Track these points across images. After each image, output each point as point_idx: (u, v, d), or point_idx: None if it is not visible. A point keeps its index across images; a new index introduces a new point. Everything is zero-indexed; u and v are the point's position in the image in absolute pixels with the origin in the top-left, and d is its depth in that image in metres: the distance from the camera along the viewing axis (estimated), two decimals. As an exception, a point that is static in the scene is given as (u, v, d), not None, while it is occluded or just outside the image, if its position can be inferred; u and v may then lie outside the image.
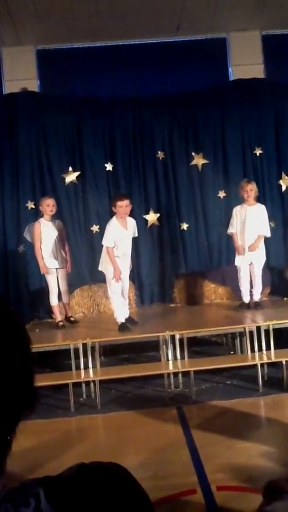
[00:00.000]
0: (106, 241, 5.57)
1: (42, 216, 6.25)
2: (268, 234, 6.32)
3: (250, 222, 6.20)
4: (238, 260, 6.33)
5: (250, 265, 6.28)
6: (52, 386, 5.11)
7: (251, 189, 6.25)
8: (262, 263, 6.32)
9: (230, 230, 6.45)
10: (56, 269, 6.18)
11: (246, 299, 6.37)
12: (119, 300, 5.72)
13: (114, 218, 5.64)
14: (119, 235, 5.59)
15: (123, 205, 5.53)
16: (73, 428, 4.58)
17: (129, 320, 5.80)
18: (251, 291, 6.40)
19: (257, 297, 6.34)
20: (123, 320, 5.66)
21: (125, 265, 5.73)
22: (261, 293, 7.39)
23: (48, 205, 6.16)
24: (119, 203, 5.54)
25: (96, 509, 0.66)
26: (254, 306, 6.26)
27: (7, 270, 7.32)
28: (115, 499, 0.69)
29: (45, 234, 6.15)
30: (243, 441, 3.77)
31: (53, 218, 6.32)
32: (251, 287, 6.38)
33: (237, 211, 6.39)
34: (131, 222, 5.81)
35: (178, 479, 3.32)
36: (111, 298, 5.82)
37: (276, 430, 4.06)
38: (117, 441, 4.08)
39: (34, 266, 7.15)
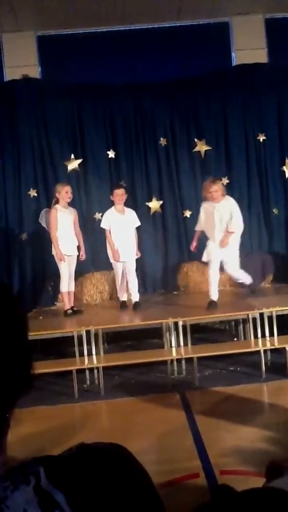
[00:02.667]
0: (102, 223, 6.34)
1: (56, 202, 6.18)
2: (236, 230, 5.79)
3: (220, 219, 5.73)
4: (205, 256, 5.94)
5: (224, 264, 5.90)
6: (56, 373, 5.15)
7: (216, 190, 5.67)
8: (235, 260, 5.93)
9: (197, 227, 6.10)
10: (70, 256, 6.16)
11: (215, 296, 5.83)
12: (119, 282, 6.37)
13: (113, 206, 6.30)
14: (115, 219, 6.18)
15: (119, 193, 6.22)
16: (77, 414, 4.61)
17: (122, 304, 6.33)
18: (241, 283, 6.37)
19: (248, 282, 6.24)
20: (123, 299, 6.35)
21: (126, 252, 6.17)
22: (264, 279, 7.42)
23: (67, 191, 6.12)
24: (116, 191, 6.25)
25: (97, 487, 0.67)
26: (251, 292, 6.24)
27: (9, 258, 7.33)
28: (115, 478, 0.69)
29: (62, 221, 6.08)
30: (246, 426, 3.80)
31: (68, 205, 6.27)
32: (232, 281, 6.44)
33: (204, 208, 5.95)
34: (130, 212, 6.36)
35: (181, 464, 3.35)
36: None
37: (279, 415, 4.08)
38: (120, 426, 4.11)
39: (37, 253, 7.16)
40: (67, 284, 6.16)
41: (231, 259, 5.90)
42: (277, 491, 0.91)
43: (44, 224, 6.38)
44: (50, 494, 0.63)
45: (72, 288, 6.31)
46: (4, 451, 0.67)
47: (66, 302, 6.20)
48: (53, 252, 6.17)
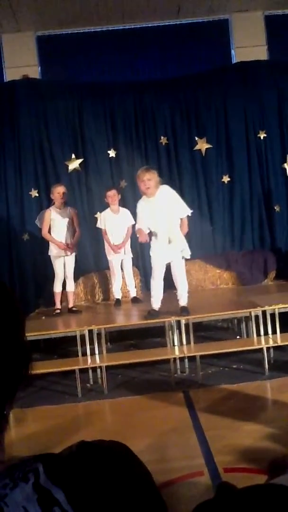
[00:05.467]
0: (97, 223, 6.72)
1: (53, 203, 6.28)
2: (189, 212, 5.32)
3: (159, 211, 5.16)
4: (156, 256, 5.34)
5: (172, 265, 5.34)
6: (59, 372, 5.15)
7: (149, 179, 5.11)
8: (183, 258, 5.34)
9: (138, 225, 5.33)
10: (63, 256, 6.22)
11: (156, 305, 5.45)
12: (115, 279, 6.59)
13: (108, 208, 6.58)
14: (110, 219, 6.47)
15: (111, 195, 6.46)
16: (80, 413, 4.61)
17: (117, 301, 6.55)
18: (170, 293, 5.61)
19: (184, 301, 5.43)
20: (118, 297, 6.57)
21: (122, 250, 6.48)
22: (267, 277, 7.41)
23: (59, 192, 6.22)
24: (108, 193, 6.50)
25: (97, 484, 0.66)
26: (181, 311, 5.38)
27: (11, 259, 7.34)
28: (116, 475, 0.69)
29: (56, 222, 6.20)
30: (249, 424, 3.79)
31: (65, 205, 6.34)
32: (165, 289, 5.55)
33: (142, 206, 5.29)
34: (124, 211, 6.54)
35: (185, 462, 3.35)
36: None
37: (282, 413, 4.07)
38: (124, 425, 4.11)
39: (39, 254, 7.16)
40: (60, 284, 6.29)
41: (179, 258, 5.29)
42: (279, 488, 0.91)
43: (39, 225, 6.47)
44: (50, 491, 0.62)
45: (71, 288, 6.35)
46: (2, 448, 0.67)
47: (57, 302, 6.29)
48: (50, 253, 6.29)
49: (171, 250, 5.25)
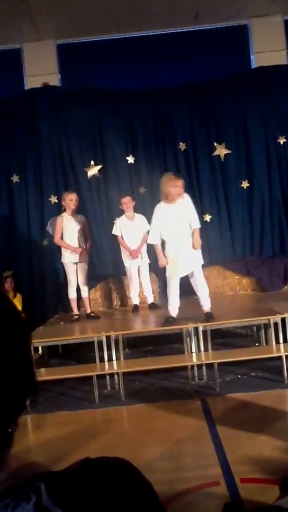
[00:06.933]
0: (113, 230, 6.72)
1: (64, 210, 6.35)
2: (199, 226, 5.35)
3: (180, 217, 5.18)
4: (173, 273, 5.28)
5: (193, 276, 5.29)
6: (77, 378, 5.18)
7: (182, 186, 5.23)
8: (201, 265, 5.34)
9: (155, 240, 5.34)
10: (76, 263, 6.28)
11: (174, 313, 5.45)
12: (132, 285, 6.66)
13: (123, 214, 6.68)
14: (126, 226, 6.55)
15: (126, 201, 6.55)
16: (97, 419, 4.63)
17: (135, 308, 6.59)
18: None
19: (207, 306, 5.40)
20: (136, 303, 6.63)
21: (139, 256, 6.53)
22: (287, 283, 7.33)
23: (71, 199, 6.28)
24: (123, 200, 6.60)
25: (99, 503, 0.67)
26: (206, 317, 5.37)
27: (31, 264, 7.42)
28: (118, 494, 0.69)
29: (68, 229, 6.27)
30: (267, 433, 3.74)
31: (75, 212, 6.41)
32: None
33: (159, 210, 5.32)
34: (139, 217, 6.59)
35: (201, 471, 3.32)
36: None
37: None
38: (140, 432, 4.11)
39: (58, 259, 7.23)
40: (74, 290, 6.36)
41: (198, 266, 5.27)
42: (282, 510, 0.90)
43: (51, 232, 6.55)
44: (50, 511, 0.63)
45: (84, 295, 6.40)
46: (6, 467, 0.68)
47: (74, 308, 6.33)
48: (63, 260, 6.38)
49: (189, 259, 5.21)
